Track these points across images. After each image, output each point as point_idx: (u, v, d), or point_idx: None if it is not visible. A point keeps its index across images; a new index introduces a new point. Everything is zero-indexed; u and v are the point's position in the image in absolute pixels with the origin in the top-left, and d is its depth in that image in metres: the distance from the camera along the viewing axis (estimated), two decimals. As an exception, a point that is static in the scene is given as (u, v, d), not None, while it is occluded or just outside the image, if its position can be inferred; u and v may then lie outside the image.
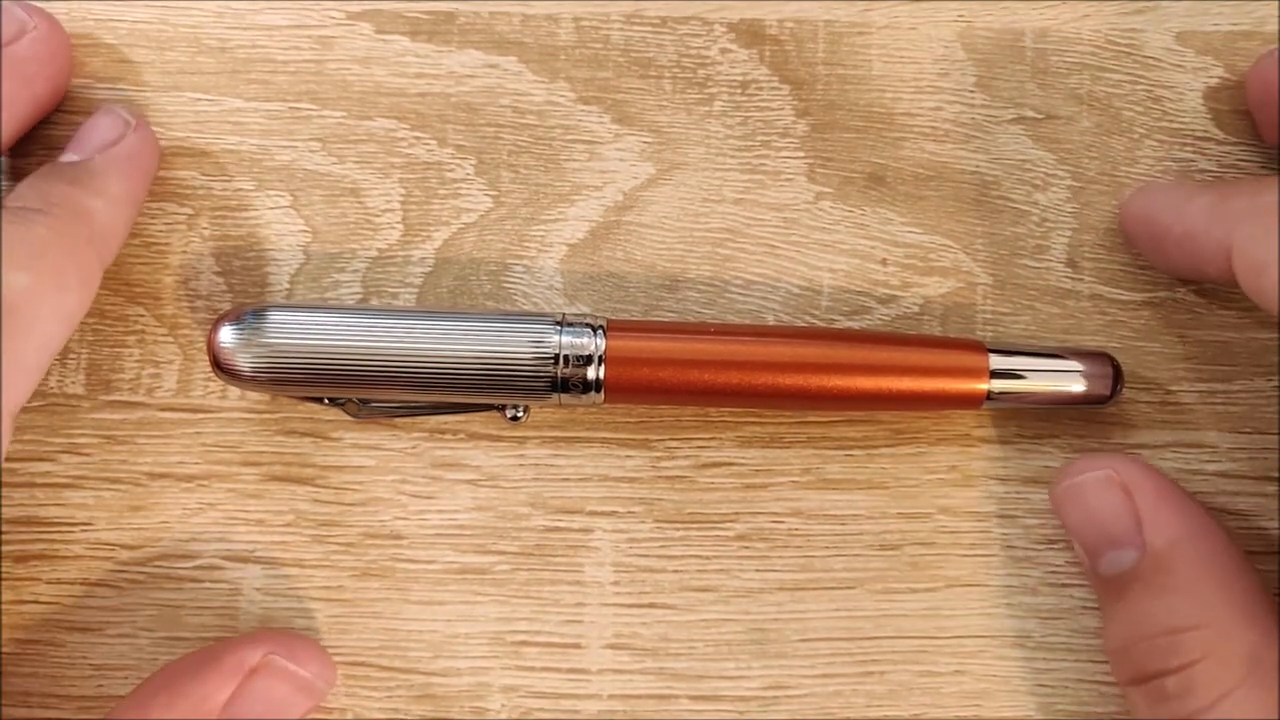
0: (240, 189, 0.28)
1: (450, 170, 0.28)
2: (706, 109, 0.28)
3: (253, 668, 0.24)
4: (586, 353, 0.25)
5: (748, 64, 0.28)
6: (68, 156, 0.26)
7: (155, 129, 0.28)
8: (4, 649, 0.26)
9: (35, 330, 0.23)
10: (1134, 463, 0.25)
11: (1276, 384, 0.27)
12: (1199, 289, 0.27)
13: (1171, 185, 0.27)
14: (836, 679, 0.26)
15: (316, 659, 0.25)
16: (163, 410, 0.27)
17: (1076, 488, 0.25)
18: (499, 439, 0.27)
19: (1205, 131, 0.28)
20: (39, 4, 0.27)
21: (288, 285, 0.27)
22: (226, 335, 0.25)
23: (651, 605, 0.26)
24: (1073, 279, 0.27)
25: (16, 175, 0.27)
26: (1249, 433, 0.27)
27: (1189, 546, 0.23)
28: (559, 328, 0.25)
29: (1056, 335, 0.27)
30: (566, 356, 0.25)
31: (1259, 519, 0.26)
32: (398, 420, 0.27)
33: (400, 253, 0.27)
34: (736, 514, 0.27)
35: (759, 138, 0.28)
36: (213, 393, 0.27)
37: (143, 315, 0.27)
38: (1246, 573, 0.23)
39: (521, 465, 0.27)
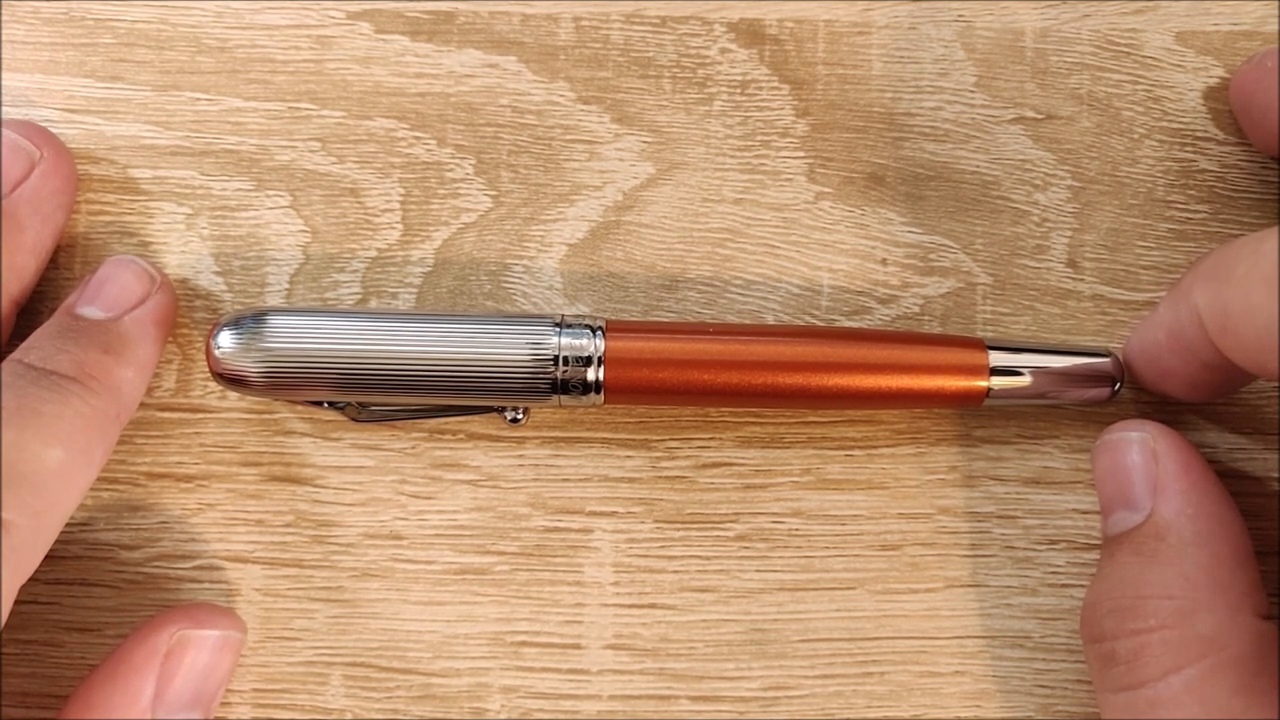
0: (240, 189, 0.27)
1: (450, 170, 0.28)
2: (706, 109, 0.28)
3: (167, 652, 0.24)
4: (586, 354, 0.25)
5: (747, 64, 0.28)
6: (90, 310, 0.25)
7: (154, 129, 0.28)
8: (4, 649, 0.26)
9: (61, 505, 0.23)
10: (1172, 435, 0.25)
11: (1276, 384, 0.27)
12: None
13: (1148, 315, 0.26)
14: (836, 679, 0.26)
15: (222, 616, 0.25)
16: (161, 410, 0.27)
17: (1113, 442, 0.25)
18: (499, 439, 0.27)
19: (1205, 131, 0.28)
20: (36, 123, 0.27)
21: (287, 285, 0.27)
22: (224, 341, 0.25)
23: (651, 605, 0.26)
24: (1073, 279, 0.27)
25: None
26: (1249, 433, 0.27)
27: (1189, 523, 0.23)
28: (558, 329, 0.25)
29: (1057, 336, 0.27)
30: (566, 358, 0.25)
31: (1259, 519, 0.26)
32: (397, 422, 0.27)
33: (400, 253, 0.27)
34: (736, 514, 0.27)
35: (759, 138, 0.28)
36: (212, 393, 0.27)
37: (142, 315, 0.27)
38: (1241, 565, 0.23)
39: (521, 465, 0.27)
